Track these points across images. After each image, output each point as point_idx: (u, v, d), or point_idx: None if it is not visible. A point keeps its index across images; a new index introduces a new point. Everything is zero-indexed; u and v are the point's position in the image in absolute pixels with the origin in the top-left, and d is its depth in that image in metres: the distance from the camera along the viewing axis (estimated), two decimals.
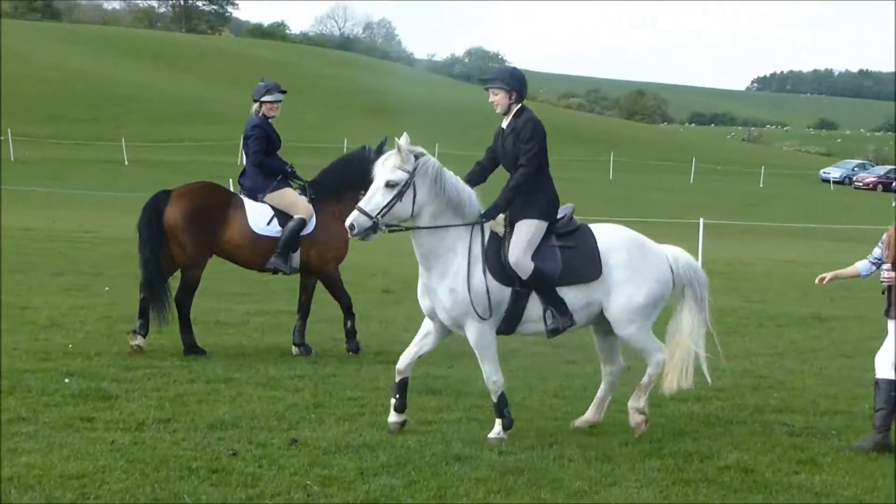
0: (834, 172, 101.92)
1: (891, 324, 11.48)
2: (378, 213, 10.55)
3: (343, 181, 15.04)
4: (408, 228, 10.93)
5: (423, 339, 11.42)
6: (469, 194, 10.95)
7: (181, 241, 14.48)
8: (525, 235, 10.83)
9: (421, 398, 12.40)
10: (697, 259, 29.56)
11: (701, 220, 31.08)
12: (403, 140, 10.73)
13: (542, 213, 10.97)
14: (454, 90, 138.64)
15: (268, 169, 14.97)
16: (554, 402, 12.64)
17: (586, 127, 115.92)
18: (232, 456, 9.64)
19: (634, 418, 11.31)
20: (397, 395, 11.17)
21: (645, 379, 11.47)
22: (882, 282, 11.58)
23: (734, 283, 28.13)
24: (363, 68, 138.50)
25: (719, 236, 38.73)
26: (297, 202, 14.87)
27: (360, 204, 10.67)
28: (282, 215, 14.79)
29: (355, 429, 10.85)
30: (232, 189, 16.04)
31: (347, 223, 10.65)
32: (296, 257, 14.93)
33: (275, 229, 14.71)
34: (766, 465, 10.23)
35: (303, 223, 14.74)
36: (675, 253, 11.63)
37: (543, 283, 10.81)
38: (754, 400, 13.30)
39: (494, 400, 11.02)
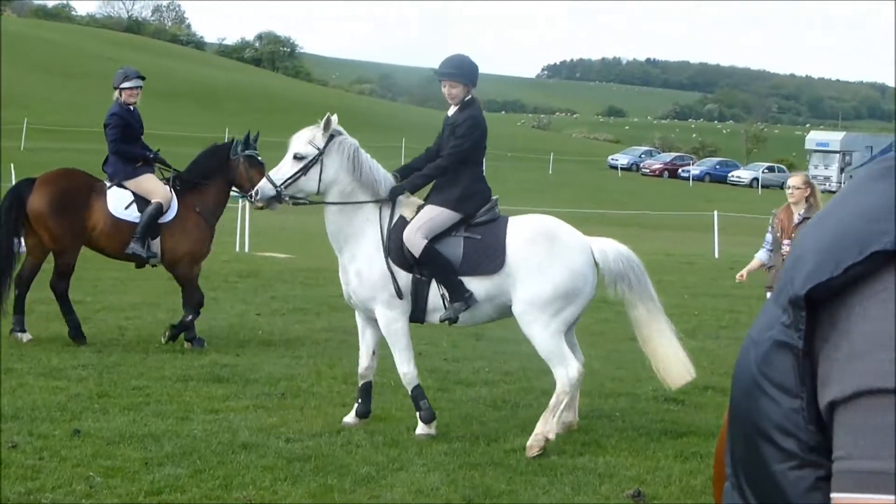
0: (622, 159, 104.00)
1: None
2: (282, 184, 10.72)
3: (205, 172, 15.11)
4: (311, 202, 11.05)
5: (364, 333, 11.31)
6: (384, 178, 10.98)
7: (48, 226, 14.42)
8: (425, 216, 10.76)
9: (207, 386, 12.27)
10: None
11: None
12: (334, 118, 10.83)
13: (453, 204, 10.79)
14: (244, 74, 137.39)
15: (127, 155, 14.84)
16: (342, 389, 12.57)
17: (379, 112, 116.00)
18: (11, 448, 9.36)
19: (535, 440, 10.24)
20: (360, 400, 11.12)
21: (552, 400, 10.53)
22: (784, 258, 12.71)
23: None
24: (151, 51, 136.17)
25: None
26: (154, 187, 14.77)
27: (270, 172, 10.96)
28: (142, 201, 14.66)
29: (140, 418, 10.66)
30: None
31: (253, 190, 11.03)
32: (156, 245, 14.79)
33: (133, 214, 14.60)
34: (551, 448, 10.34)
35: (160, 208, 14.63)
36: (602, 245, 10.92)
37: (436, 266, 10.67)
38: (541, 383, 13.37)
39: (409, 392, 10.93)
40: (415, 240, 10.66)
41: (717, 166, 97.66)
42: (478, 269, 10.67)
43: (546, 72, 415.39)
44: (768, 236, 13.98)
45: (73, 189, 14.63)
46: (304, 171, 10.72)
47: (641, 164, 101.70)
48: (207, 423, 10.60)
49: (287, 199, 10.91)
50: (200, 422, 10.66)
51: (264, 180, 10.90)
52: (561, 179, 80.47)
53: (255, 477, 8.98)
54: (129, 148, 14.89)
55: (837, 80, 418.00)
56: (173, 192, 14.88)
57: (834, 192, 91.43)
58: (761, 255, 14.16)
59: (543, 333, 10.55)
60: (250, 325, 16.72)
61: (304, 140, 10.79)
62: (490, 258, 10.66)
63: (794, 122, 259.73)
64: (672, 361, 10.89)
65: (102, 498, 8.31)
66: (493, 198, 11.07)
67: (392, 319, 10.80)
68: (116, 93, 15.05)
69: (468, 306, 10.69)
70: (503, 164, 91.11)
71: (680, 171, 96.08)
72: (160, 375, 12.68)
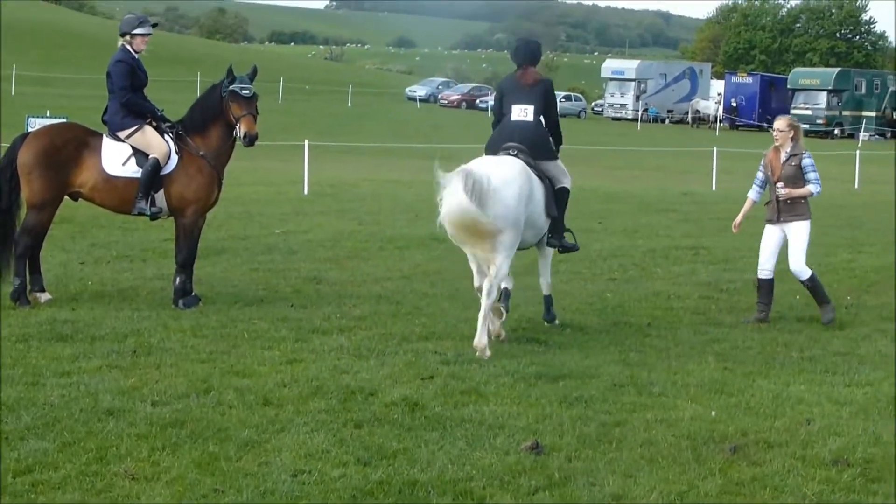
0: (420, 91, 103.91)
1: (772, 229, 14.31)
2: None
3: (203, 114, 14.12)
4: None
5: None
6: None
7: (29, 180, 13.53)
8: None
9: (52, 346, 11.43)
10: (303, 182, 29.11)
11: (306, 143, 30.81)
12: None
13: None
14: (26, 10, 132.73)
15: (136, 108, 13.90)
16: (195, 343, 11.83)
17: (167, 46, 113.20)
18: None
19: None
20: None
21: None
22: (779, 197, 14.14)
23: (343, 205, 27.24)
24: None
25: (317, 157, 37.57)
26: (151, 141, 13.75)
27: None
28: (141, 155, 13.69)
29: None
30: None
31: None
32: (159, 198, 13.85)
33: (132, 169, 13.66)
34: (430, 398, 9.91)
35: (157, 163, 13.65)
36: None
37: None
38: (398, 328, 12.98)
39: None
40: None
41: None
42: None
43: (334, 3, 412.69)
44: (759, 175, 14.59)
45: (60, 144, 13.65)
46: None
47: (439, 96, 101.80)
48: (62, 388, 9.79)
49: None
50: (54, 386, 9.85)
51: None
52: (362, 112, 79.70)
53: (130, 447, 8.30)
54: (138, 101, 13.95)
55: (623, 9, 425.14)
56: (175, 140, 13.95)
57: (632, 120, 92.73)
58: (752, 195, 14.74)
59: None
60: (77, 276, 15.77)
61: None
62: None
63: (583, 50, 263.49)
64: None
65: None
66: (509, 144, 13.02)
67: None
68: (124, 39, 14.05)
69: None
70: (300, 98, 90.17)
71: (478, 101, 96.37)
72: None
